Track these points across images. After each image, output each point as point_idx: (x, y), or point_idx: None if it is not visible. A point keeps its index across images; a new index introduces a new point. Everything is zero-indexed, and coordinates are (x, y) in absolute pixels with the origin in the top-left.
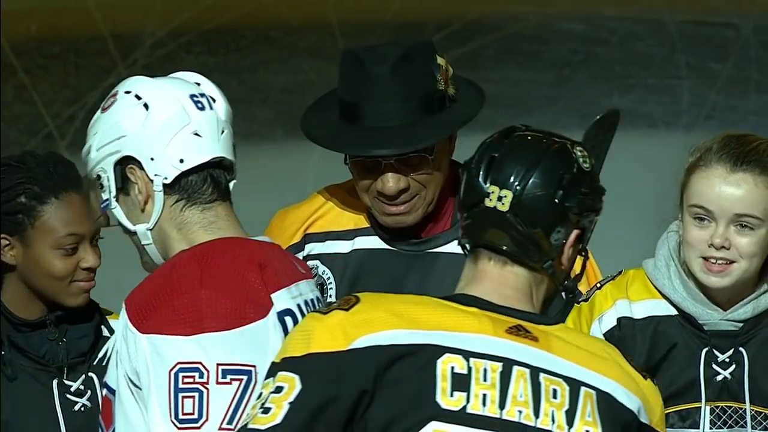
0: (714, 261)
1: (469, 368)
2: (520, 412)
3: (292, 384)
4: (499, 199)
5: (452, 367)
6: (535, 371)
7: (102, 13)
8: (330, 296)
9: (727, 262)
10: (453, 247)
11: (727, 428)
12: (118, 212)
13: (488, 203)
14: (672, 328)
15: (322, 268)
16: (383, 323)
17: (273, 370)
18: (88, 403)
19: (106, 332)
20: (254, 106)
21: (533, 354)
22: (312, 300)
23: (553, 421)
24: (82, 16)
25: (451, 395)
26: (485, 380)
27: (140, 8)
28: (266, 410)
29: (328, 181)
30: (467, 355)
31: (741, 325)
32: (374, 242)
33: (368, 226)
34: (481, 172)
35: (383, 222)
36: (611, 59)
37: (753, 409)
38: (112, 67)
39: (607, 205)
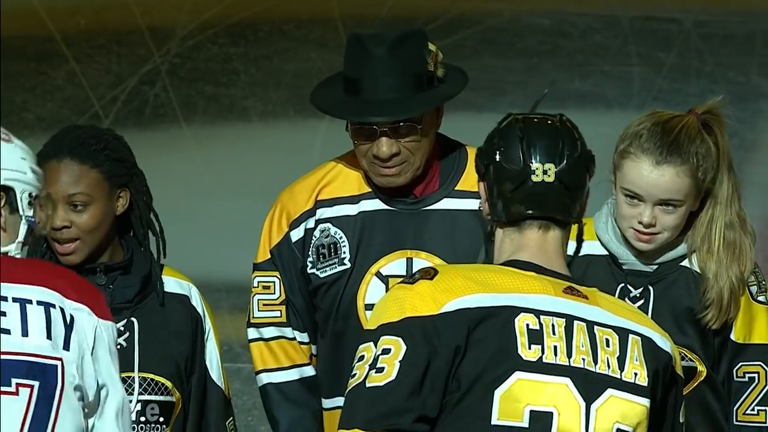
0: (643, 233)
1: (541, 324)
2: (583, 359)
3: (397, 345)
4: (545, 172)
5: (527, 324)
6: (590, 324)
7: (140, 9)
8: (344, 253)
9: (654, 233)
10: (442, 205)
11: None
12: None
13: (535, 179)
14: (600, 266)
15: (334, 230)
16: (466, 288)
17: (372, 336)
18: (124, 343)
19: (171, 287)
20: (270, 89)
21: (587, 310)
22: None
23: (608, 366)
24: (123, 12)
25: (529, 348)
26: (554, 334)
27: (173, 5)
28: (379, 370)
29: (333, 152)
30: (537, 313)
31: (656, 267)
32: (376, 204)
33: (370, 190)
34: (517, 155)
35: (377, 182)
36: (573, 50)
37: None
38: (149, 55)
39: None
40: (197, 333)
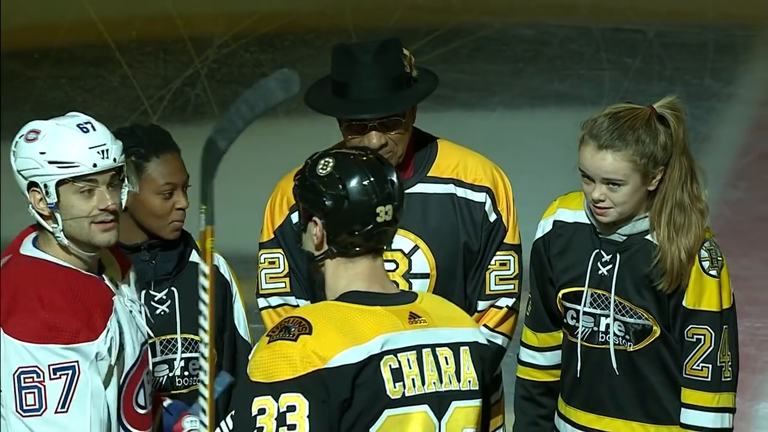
0: (597, 207)
1: (399, 362)
2: (434, 383)
3: (300, 401)
4: (386, 213)
5: (390, 366)
6: (433, 348)
7: (183, 22)
8: None
9: (605, 207)
10: (417, 189)
11: (600, 310)
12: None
13: (378, 219)
14: (585, 232)
15: None
16: (342, 343)
17: (267, 391)
18: (167, 309)
19: (194, 257)
20: None
21: (428, 335)
22: None
23: (450, 382)
24: (168, 25)
25: (394, 386)
26: (410, 368)
27: (211, 18)
28: (291, 427)
29: None
30: (395, 352)
31: (625, 237)
32: None
33: None
34: (365, 200)
35: None
36: (553, 56)
37: (616, 299)
38: (190, 61)
39: (555, 164)
40: (226, 297)
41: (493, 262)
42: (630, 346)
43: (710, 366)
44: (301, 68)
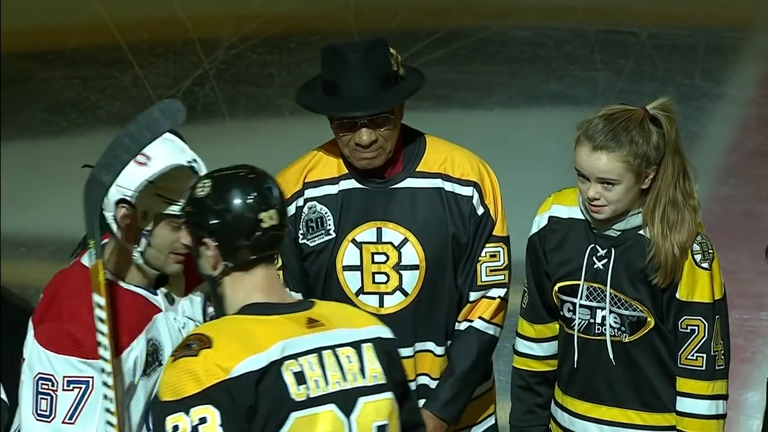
0: (592, 204)
1: (300, 365)
2: (337, 382)
3: (210, 413)
4: (270, 218)
5: (292, 370)
6: (333, 349)
7: (192, 25)
8: (330, 225)
9: (600, 205)
10: (406, 183)
11: (596, 302)
12: None
13: (264, 225)
14: (579, 228)
15: (320, 206)
16: (241, 353)
17: (177, 408)
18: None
19: None
20: None
21: (327, 337)
22: None
23: (354, 379)
24: (178, 27)
25: (298, 389)
26: (312, 370)
27: (219, 21)
28: None
29: None
30: (296, 356)
31: (619, 233)
32: (352, 183)
33: (347, 172)
34: (246, 209)
35: (358, 165)
36: (549, 57)
37: (612, 292)
38: (199, 62)
39: (551, 161)
40: None
41: (483, 254)
42: (625, 337)
43: (704, 355)
44: (305, 69)
